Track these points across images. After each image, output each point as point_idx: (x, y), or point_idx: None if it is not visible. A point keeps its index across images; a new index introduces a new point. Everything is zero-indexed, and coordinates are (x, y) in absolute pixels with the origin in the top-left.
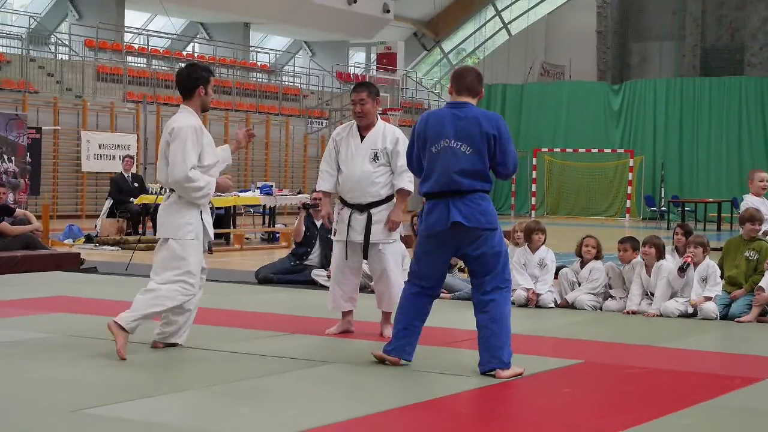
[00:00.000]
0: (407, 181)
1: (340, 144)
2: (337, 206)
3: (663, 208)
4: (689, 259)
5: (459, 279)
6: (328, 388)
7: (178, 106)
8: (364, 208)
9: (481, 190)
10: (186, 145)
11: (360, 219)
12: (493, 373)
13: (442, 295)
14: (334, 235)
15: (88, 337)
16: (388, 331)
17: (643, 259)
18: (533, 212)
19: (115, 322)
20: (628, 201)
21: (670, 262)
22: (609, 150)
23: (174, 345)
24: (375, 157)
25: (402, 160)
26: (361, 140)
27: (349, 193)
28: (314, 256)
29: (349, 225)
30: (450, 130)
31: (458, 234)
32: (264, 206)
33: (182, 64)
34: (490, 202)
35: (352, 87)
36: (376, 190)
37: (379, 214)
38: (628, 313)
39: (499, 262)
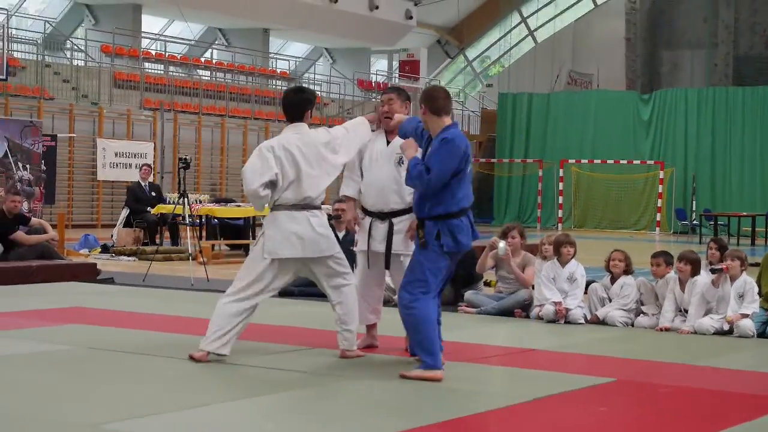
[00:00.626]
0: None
1: (364, 150)
2: (358, 214)
3: (695, 222)
4: (726, 269)
5: (483, 295)
6: (353, 405)
7: (196, 113)
8: (386, 216)
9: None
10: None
11: (381, 228)
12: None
13: (466, 309)
14: (356, 245)
15: (107, 349)
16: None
17: (678, 275)
18: (560, 225)
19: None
20: (659, 214)
21: (705, 277)
22: (638, 161)
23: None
24: (400, 161)
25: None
26: (387, 144)
27: (371, 200)
28: None
29: (369, 234)
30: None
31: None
32: None
33: (200, 71)
34: None
35: (373, 95)
36: (400, 197)
37: (401, 223)
38: (661, 330)
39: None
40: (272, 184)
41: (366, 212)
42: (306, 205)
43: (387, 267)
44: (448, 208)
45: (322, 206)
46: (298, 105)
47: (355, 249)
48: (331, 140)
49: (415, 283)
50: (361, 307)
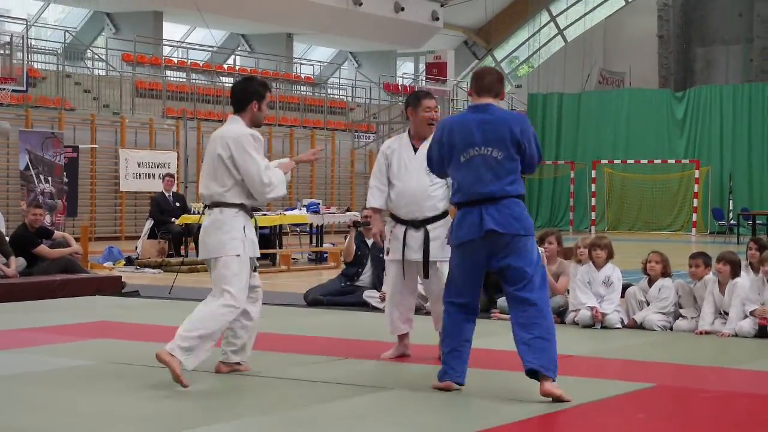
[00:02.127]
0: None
1: (392, 157)
2: (389, 224)
3: (732, 222)
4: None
5: None
6: (385, 416)
7: (220, 121)
8: (420, 224)
9: (514, 195)
10: (252, 153)
11: (417, 236)
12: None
13: (500, 316)
14: (387, 254)
15: (135, 364)
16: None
17: (717, 276)
18: (593, 228)
19: None
20: (695, 214)
21: (745, 279)
22: (673, 161)
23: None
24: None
25: None
26: (415, 152)
27: (403, 209)
28: (366, 276)
29: (404, 243)
30: (478, 136)
31: (491, 242)
32: (311, 225)
33: (223, 78)
34: (524, 207)
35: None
36: (433, 204)
37: (437, 230)
38: (700, 333)
39: (536, 271)
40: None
41: (398, 221)
42: (210, 204)
43: (426, 276)
44: (452, 201)
45: (348, 212)
46: (242, 95)
47: (386, 258)
48: (233, 154)
49: (447, 293)
50: (393, 316)
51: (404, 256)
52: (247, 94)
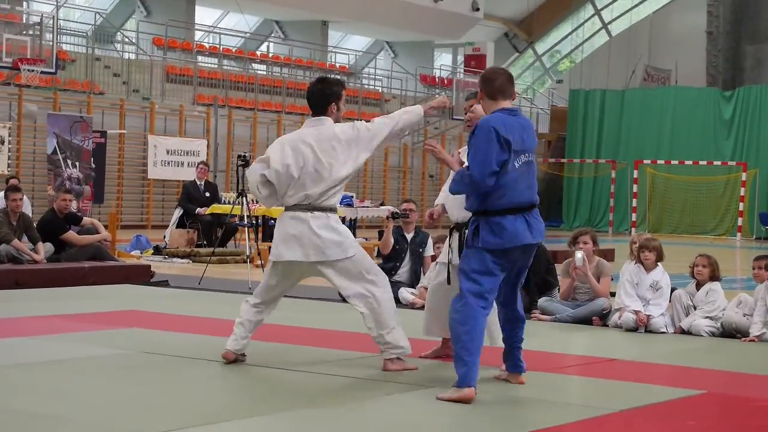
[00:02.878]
0: None
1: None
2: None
3: None
4: None
5: (558, 302)
6: (424, 416)
7: (251, 109)
8: (464, 226)
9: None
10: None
11: (454, 239)
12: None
13: (540, 317)
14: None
15: (163, 354)
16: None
17: None
18: (633, 230)
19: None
20: (740, 219)
21: None
22: (719, 162)
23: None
24: None
25: None
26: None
27: (455, 212)
28: (403, 271)
29: (449, 246)
30: (526, 141)
31: (527, 250)
32: (344, 219)
33: (256, 65)
34: None
35: (436, 91)
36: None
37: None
38: (752, 341)
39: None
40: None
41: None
42: (309, 206)
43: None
44: (488, 204)
45: (382, 206)
46: (321, 97)
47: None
48: (354, 138)
49: (463, 292)
50: (431, 322)
51: (452, 259)
52: (325, 97)
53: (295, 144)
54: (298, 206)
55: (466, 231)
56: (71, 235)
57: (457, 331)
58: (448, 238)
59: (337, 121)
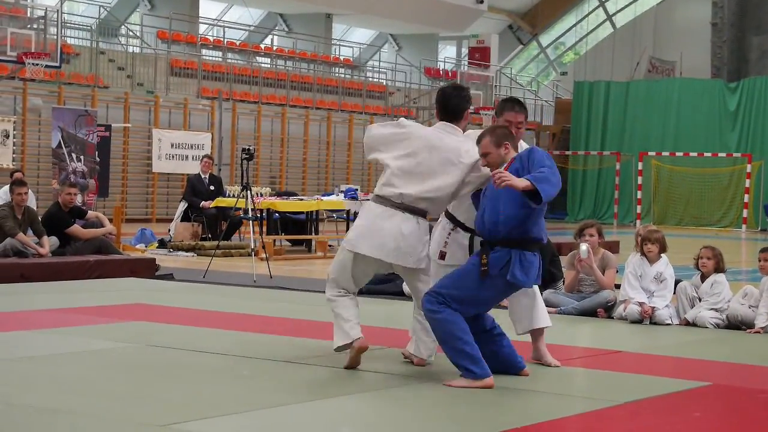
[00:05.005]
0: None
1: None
2: (446, 225)
3: None
4: None
5: (563, 294)
6: (430, 409)
7: (256, 103)
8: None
9: None
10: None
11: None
12: None
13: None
14: (442, 258)
15: (169, 347)
16: (549, 358)
17: None
18: (638, 222)
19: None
20: (745, 210)
21: None
22: (724, 154)
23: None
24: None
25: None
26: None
27: (464, 215)
28: None
29: (471, 249)
30: None
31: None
32: (348, 211)
33: (260, 58)
34: None
35: (440, 83)
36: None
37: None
38: (757, 332)
39: None
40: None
41: (460, 225)
42: (405, 206)
43: None
44: (529, 231)
45: None
46: (459, 106)
47: (440, 262)
48: (469, 168)
49: (446, 297)
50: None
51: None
52: (464, 103)
53: (420, 136)
54: (393, 202)
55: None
56: (76, 228)
57: (448, 328)
58: (454, 238)
59: (464, 129)
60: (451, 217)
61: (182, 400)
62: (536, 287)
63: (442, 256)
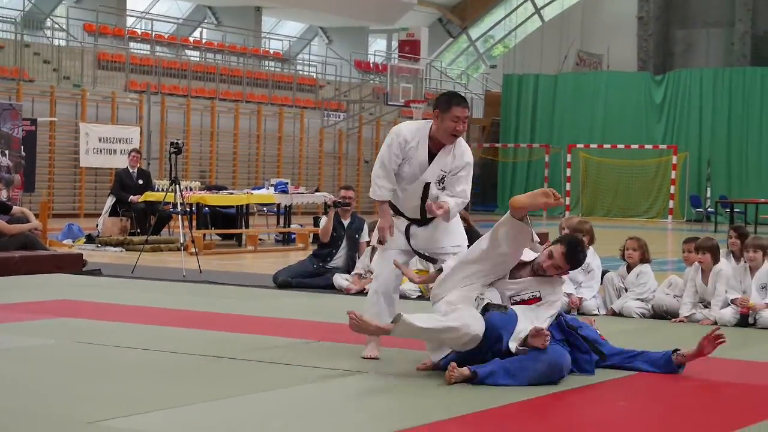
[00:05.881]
0: (456, 206)
1: (408, 155)
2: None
3: (710, 209)
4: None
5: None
6: (362, 400)
7: (185, 96)
8: (426, 222)
9: None
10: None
11: (422, 230)
12: None
13: None
14: (380, 243)
15: (97, 343)
16: None
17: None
18: (567, 213)
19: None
20: (671, 201)
21: (728, 267)
22: (650, 146)
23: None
24: (441, 180)
25: (464, 187)
26: (430, 160)
27: (409, 211)
28: (339, 258)
29: (408, 234)
30: None
31: None
32: (278, 205)
33: (189, 51)
34: None
35: (371, 77)
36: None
37: (444, 223)
38: (680, 321)
39: None
40: None
41: (398, 213)
42: None
43: (432, 260)
44: None
45: (317, 192)
46: None
47: (381, 248)
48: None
49: None
50: (383, 311)
51: (406, 247)
52: None
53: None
54: None
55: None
56: (1, 224)
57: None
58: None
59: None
60: (391, 204)
61: (109, 397)
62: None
63: (381, 241)
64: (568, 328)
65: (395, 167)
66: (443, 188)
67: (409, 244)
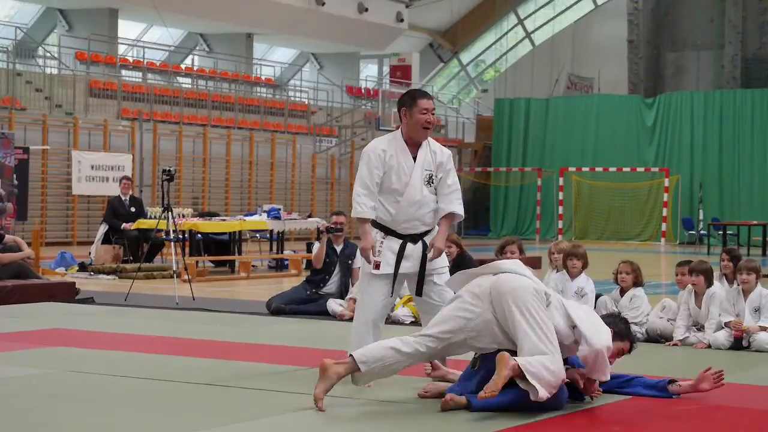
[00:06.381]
0: (458, 204)
1: (390, 163)
2: (377, 235)
3: (702, 232)
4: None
5: None
6: (355, 427)
7: (177, 123)
8: (418, 238)
9: None
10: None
11: (416, 249)
12: None
13: None
14: (377, 268)
15: (90, 372)
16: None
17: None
18: (560, 237)
19: None
20: (664, 224)
21: (721, 290)
22: (642, 169)
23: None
24: (429, 180)
25: (453, 179)
26: (414, 160)
27: (403, 224)
28: (332, 284)
29: (401, 257)
30: None
31: None
32: (271, 231)
33: (181, 78)
34: None
35: (362, 102)
36: (431, 217)
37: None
38: (674, 344)
39: None
40: None
41: (392, 233)
42: None
43: (419, 293)
44: None
45: (310, 218)
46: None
47: (374, 272)
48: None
49: None
50: (368, 338)
51: (398, 270)
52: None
53: None
54: None
55: (421, 241)
56: None
57: None
58: (387, 245)
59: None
60: (381, 226)
61: (102, 427)
62: None
63: (377, 265)
64: None
65: (378, 180)
66: (434, 190)
67: (396, 268)
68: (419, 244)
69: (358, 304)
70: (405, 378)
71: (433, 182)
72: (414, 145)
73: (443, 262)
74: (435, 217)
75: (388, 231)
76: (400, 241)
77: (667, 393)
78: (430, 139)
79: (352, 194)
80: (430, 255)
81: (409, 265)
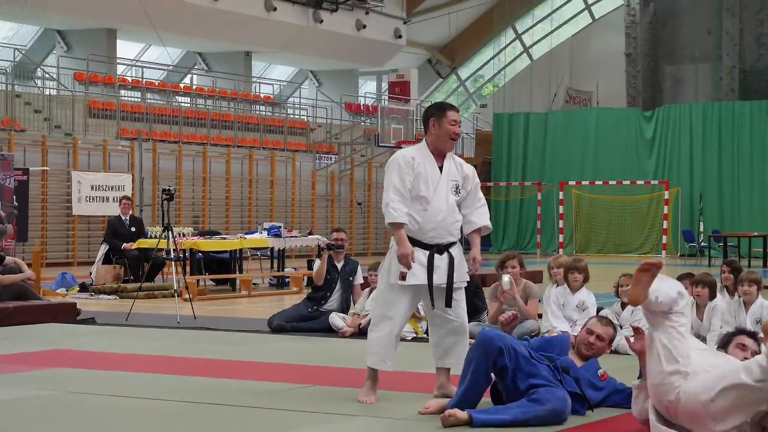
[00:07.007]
0: (488, 217)
1: (419, 170)
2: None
3: (703, 244)
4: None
5: (486, 326)
6: None
7: (176, 142)
8: (444, 248)
9: None
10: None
11: (443, 259)
12: None
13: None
14: (402, 279)
15: (92, 393)
16: (453, 389)
17: (696, 300)
18: (561, 250)
19: None
20: (664, 236)
21: (722, 302)
22: (642, 182)
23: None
24: (456, 190)
25: (481, 194)
26: (440, 171)
27: (430, 233)
28: (333, 300)
29: (433, 267)
30: None
31: None
32: (272, 249)
33: (180, 98)
34: None
35: (362, 119)
36: (457, 227)
37: (456, 254)
38: None
39: None
40: None
41: (418, 244)
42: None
43: (448, 304)
44: None
45: (310, 235)
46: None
47: (400, 282)
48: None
49: None
50: (392, 351)
51: (431, 281)
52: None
53: None
54: None
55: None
56: None
57: None
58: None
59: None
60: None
61: None
62: (467, 326)
63: (402, 276)
64: (563, 371)
65: (409, 186)
66: (458, 201)
67: (430, 279)
68: (445, 255)
69: (380, 315)
70: (406, 395)
71: (459, 192)
72: (440, 156)
73: (464, 276)
74: (458, 228)
75: (413, 242)
76: (427, 252)
77: None
78: (451, 153)
79: (383, 201)
80: (472, 268)
81: (437, 277)
